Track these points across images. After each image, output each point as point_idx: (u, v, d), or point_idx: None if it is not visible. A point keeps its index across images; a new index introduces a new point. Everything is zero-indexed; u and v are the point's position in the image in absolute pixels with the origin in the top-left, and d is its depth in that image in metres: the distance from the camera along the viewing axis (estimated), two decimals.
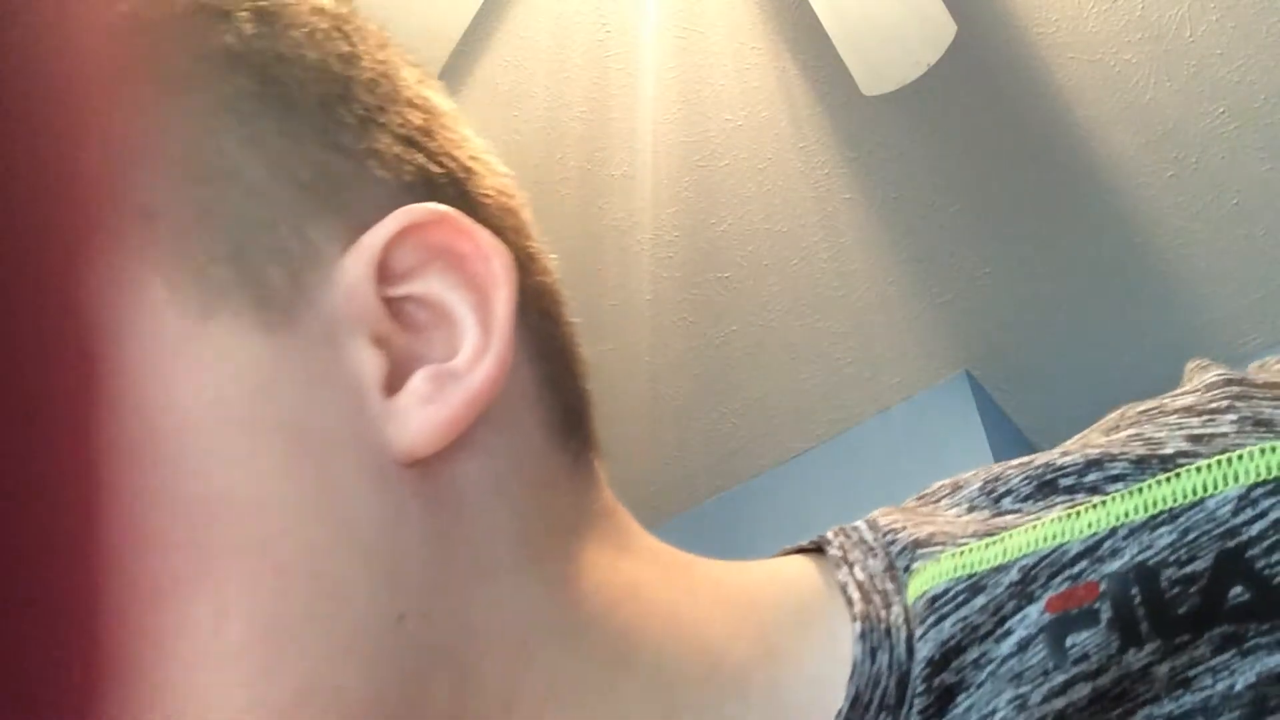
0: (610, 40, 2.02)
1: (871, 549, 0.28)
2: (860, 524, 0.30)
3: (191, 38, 0.22)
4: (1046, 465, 0.26)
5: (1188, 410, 0.26)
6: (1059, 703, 0.21)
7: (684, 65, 2.06)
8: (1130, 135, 2.04)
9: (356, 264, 0.23)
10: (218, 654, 0.20)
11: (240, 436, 0.22)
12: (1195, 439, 0.25)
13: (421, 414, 0.23)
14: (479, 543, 0.25)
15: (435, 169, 0.26)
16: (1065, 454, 0.26)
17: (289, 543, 0.21)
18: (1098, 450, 0.25)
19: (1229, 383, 0.26)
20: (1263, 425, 0.24)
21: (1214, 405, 0.25)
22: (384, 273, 0.23)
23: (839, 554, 0.28)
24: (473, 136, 0.30)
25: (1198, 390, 0.27)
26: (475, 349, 0.24)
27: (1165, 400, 0.27)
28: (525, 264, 0.29)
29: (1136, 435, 0.26)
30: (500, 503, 0.25)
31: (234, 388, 0.22)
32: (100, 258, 0.19)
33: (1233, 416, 0.25)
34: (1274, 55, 1.92)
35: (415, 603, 0.22)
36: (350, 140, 0.24)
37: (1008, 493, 0.26)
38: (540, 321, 0.29)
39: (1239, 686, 0.20)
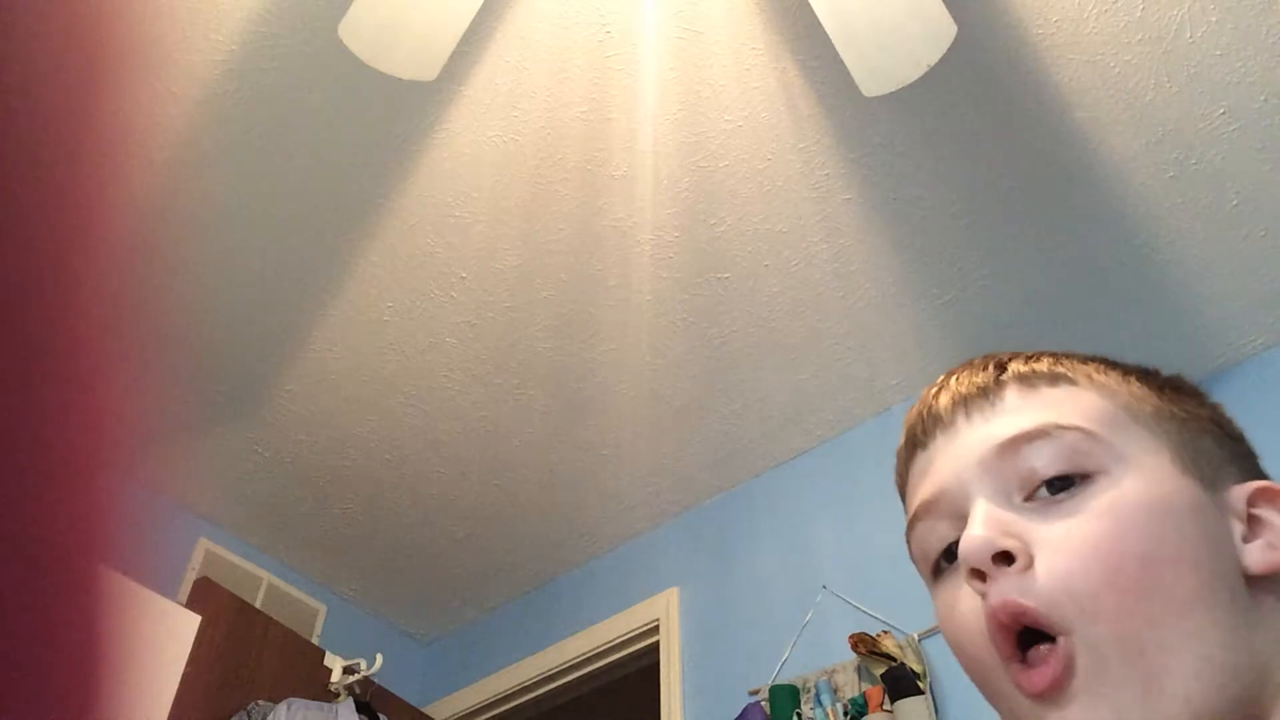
0: (610, 40, 2.02)
1: None
2: None
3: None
4: None
5: None
6: None
7: (684, 65, 2.05)
8: (1130, 136, 2.04)
9: (1241, 494, 0.55)
10: (1186, 647, 0.49)
11: (1188, 526, 0.52)
12: None
13: (1257, 554, 0.53)
14: (1266, 625, 0.52)
15: (1249, 462, 0.59)
16: None
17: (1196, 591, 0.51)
18: None
19: None
20: None
21: None
22: (1251, 498, 0.55)
23: None
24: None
25: None
26: None
27: None
28: None
29: None
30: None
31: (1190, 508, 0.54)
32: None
33: None
34: (1274, 56, 1.92)
35: (1238, 641, 0.50)
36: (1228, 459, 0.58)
37: None
38: None
39: None
